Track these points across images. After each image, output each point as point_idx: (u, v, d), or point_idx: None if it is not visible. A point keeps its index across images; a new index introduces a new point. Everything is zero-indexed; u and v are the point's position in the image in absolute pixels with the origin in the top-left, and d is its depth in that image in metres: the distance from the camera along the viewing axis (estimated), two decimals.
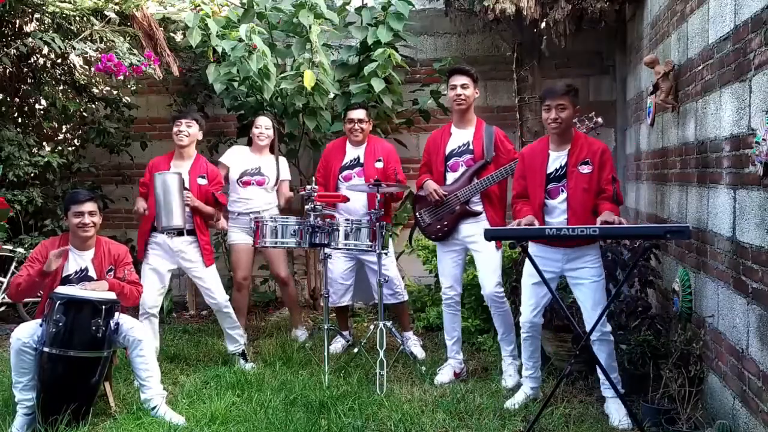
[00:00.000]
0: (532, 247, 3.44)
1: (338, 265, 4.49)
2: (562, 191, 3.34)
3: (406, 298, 4.60)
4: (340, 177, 4.44)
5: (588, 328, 3.30)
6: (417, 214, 4.04)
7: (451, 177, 3.92)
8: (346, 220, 4.04)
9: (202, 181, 4.21)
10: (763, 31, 2.48)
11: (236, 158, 4.71)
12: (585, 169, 3.29)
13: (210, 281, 4.18)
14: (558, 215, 3.34)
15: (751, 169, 2.59)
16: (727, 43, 2.89)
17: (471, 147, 3.89)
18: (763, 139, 2.45)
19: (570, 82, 3.60)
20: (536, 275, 3.22)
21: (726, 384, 2.94)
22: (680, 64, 3.68)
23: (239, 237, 4.61)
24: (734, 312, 2.84)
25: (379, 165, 4.41)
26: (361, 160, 4.44)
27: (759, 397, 2.55)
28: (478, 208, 3.86)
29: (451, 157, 3.92)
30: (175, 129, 4.20)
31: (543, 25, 5.01)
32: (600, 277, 3.32)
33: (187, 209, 4.06)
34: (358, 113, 4.44)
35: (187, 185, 4.09)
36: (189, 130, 4.19)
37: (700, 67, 3.30)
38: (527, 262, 3.44)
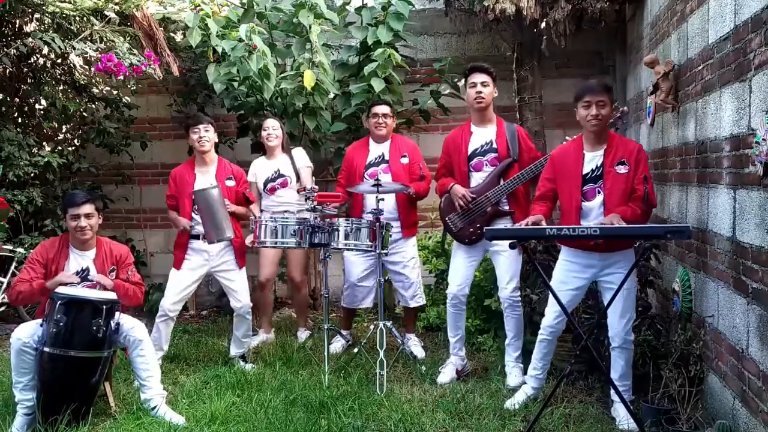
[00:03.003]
0: (564, 253, 3.41)
1: (355, 268, 4.46)
2: (599, 192, 3.26)
3: (424, 302, 4.58)
4: (365, 175, 4.38)
5: (611, 334, 3.28)
6: (447, 219, 3.94)
7: (475, 177, 3.86)
8: (347, 220, 4.03)
9: (231, 183, 4.21)
10: (763, 31, 2.48)
11: (256, 170, 4.76)
12: (622, 170, 3.22)
13: (239, 284, 4.18)
14: (594, 217, 3.26)
15: (751, 169, 2.59)
16: (727, 43, 2.89)
17: (495, 146, 3.84)
18: (763, 139, 2.45)
19: (605, 81, 3.53)
20: (567, 281, 3.21)
21: (726, 384, 2.94)
22: (680, 64, 3.68)
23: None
24: (734, 312, 2.84)
25: (405, 161, 4.38)
26: (386, 157, 4.40)
27: (759, 397, 2.55)
28: (508, 207, 3.81)
29: (474, 156, 3.86)
30: (194, 137, 4.14)
31: (543, 25, 5.01)
32: (632, 285, 3.27)
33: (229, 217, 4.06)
34: (383, 108, 4.41)
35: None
36: (208, 135, 4.16)
37: (700, 67, 3.30)
38: (558, 266, 3.42)
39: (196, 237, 4.11)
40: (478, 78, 3.81)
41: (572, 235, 2.97)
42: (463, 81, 4.07)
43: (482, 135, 3.88)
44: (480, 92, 3.79)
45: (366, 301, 4.56)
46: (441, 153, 4.04)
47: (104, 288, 3.45)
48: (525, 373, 3.72)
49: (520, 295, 3.89)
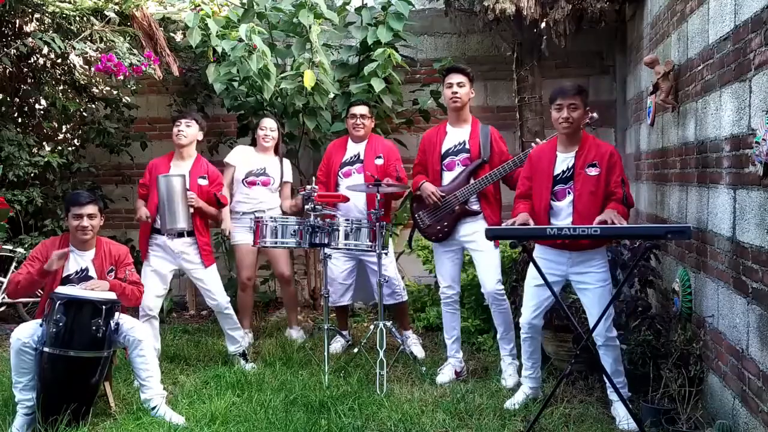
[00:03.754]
0: (537, 250, 3.43)
1: (338, 265, 4.49)
2: (569, 193, 3.31)
3: (405, 298, 4.60)
4: (339, 173, 4.46)
5: (594, 333, 3.28)
6: (416, 215, 4.04)
7: (447, 176, 3.93)
8: (346, 220, 4.04)
9: (203, 182, 4.21)
10: (763, 31, 2.48)
11: (241, 158, 4.72)
12: (592, 172, 3.26)
13: (210, 282, 4.18)
14: (564, 217, 3.31)
15: (751, 169, 2.59)
16: (727, 43, 2.89)
17: (467, 146, 3.90)
18: (763, 139, 2.45)
19: (580, 83, 3.58)
20: (539, 277, 3.22)
21: (726, 384, 2.94)
22: (680, 64, 3.68)
23: (243, 237, 4.60)
24: (734, 312, 2.84)
25: (379, 162, 4.42)
26: (361, 157, 4.45)
27: (759, 397, 2.55)
28: (476, 207, 3.87)
29: (447, 155, 3.93)
30: (174, 129, 4.20)
31: (543, 25, 5.00)
32: (606, 282, 3.29)
33: (190, 210, 4.06)
34: (361, 108, 4.46)
35: (188, 186, 4.09)
36: (188, 130, 4.18)
37: (700, 67, 3.30)
38: (531, 263, 3.44)
39: (159, 231, 4.10)
40: (455, 78, 3.86)
41: (572, 235, 2.97)
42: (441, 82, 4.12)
43: (456, 135, 3.94)
44: (456, 92, 3.85)
45: (344, 298, 4.60)
46: (418, 151, 4.12)
47: (100, 289, 3.44)
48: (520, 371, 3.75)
49: (503, 288, 3.92)
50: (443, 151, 3.93)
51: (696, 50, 3.37)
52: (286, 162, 4.89)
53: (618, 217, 3.06)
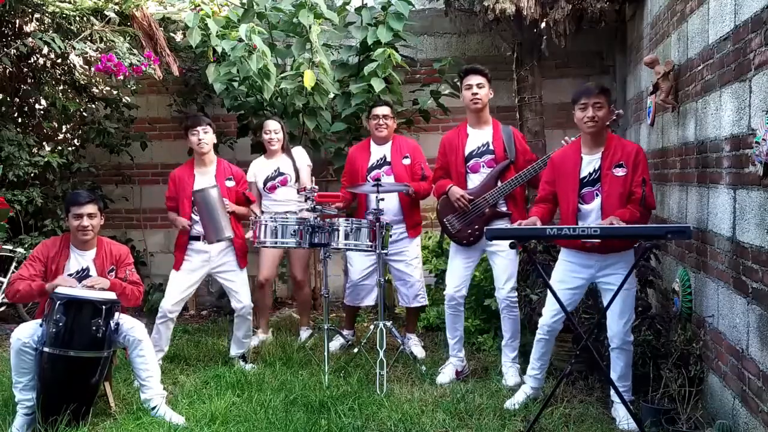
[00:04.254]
0: (563, 253, 3.41)
1: (357, 266, 4.46)
2: (597, 195, 3.26)
3: (426, 303, 4.58)
4: (368, 178, 4.37)
5: (610, 335, 3.29)
6: (444, 220, 3.96)
7: (472, 178, 3.88)
8: (347, 220, 4.03)
9: (230, 184, 4.22)
10: (763, 31, 2.48)
11: (256, 171, 4.75)
12: (620, 172, 3.22)
13: (240, 284, 4.19)
14: (593, 220, 3.26)
15: (751, 169, 2.59)
16: (727, 43, 2.89)
17: (491, 147, 3.86)
18: (763, 139, 2.45)
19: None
20: (566, 281, 3.21)
21: (726, 384, 2.94)
22: (680, 64, 3.68)
23: None
24: (734, 312, 2.84)
25: (407, 162, 4.39)
26: (388, 159, 4.40)
27: (759, 397, 2.55)
28: (505, 208, 3.83)
29: (471, 158, 3.88)
30: (193, 138, 4.15)
31: (543, 25, 5.01)
32: (632, 286, 3.27)
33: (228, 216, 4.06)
34: (383, 109, 4.42)
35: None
36: (207, 137, 4.16)
37: (700, 67, 3.30)
38: (557, 266, 3.43)
39: (197, 238, 4.11)
40: (474, 80, 3.84)
41: (572, 235, 2.97)
42: (459, 83, 4.09)
43: (479, 136, 3.90)
44: (476, 93, 3.82)
45: (368, 299, 4.56)
46: (437, 155, 4.06)
47: (100, 288, 3.44)
48: (523, 372, 3.73)
49: (517, 295, 3.89)
50: (467, 153, 3.88)
51: (696, 50, 3.37)
52: (295, 150, 4.85)
53: (619, 223, 3.05)
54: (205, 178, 4.16)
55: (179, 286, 4.11)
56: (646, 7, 4.64)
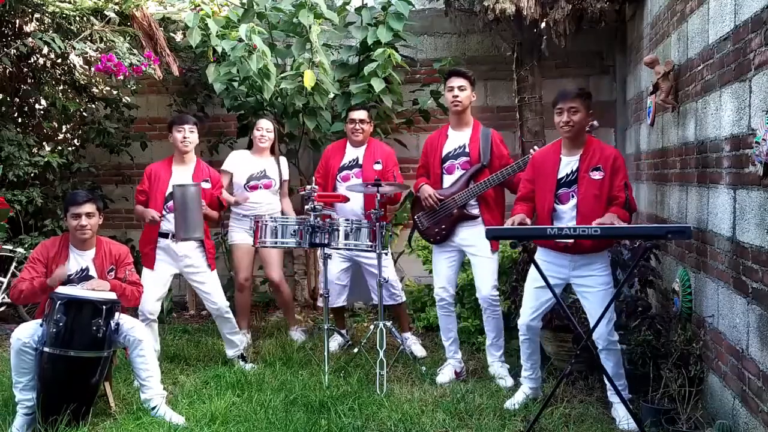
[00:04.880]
0: (539, 252, 3.43)
1: (333, 266, 4.48)
2: (573, 197, 3.31)
3: (403, 299, 4.60)
4: (338, 177, 4.45)
5: (595, 337, 3.28)
6: (415, 217, 4.06)
7: (447, 179, 3.94)
8: (346, 220, 4.04)
9: (206, 185, 4.20)
10: (763, 31, 2.48)
11: (239, 163, 4.70)
12: (596, 175, 3.25)
13: (212, 286, 4.17)
14: (567, 221, 3.30)
15: (751, 169, 2.59)
16: (727, 43, 2.89)
17: (467, 150, 3.91)
18: (763, 139, 2.45)
19: (582, 86, 3.57)
20: (539, 279, 3.22)
21: (726, 384, 2.94)
22: (680, 64, 3.68)
23: (241, 237, 4.60)
24: (734, 312, 2.84)
25: (378, 167, 4.42)
26: (360, 161, 4.46)
27: (759, 397, 2.55)
28: (475, 211, 3.87)
29: (447, 159, 3.94)
30: (178, 135, 4.14)
31: (543, 25, 5.00)
32: (608, 286, 3.29)
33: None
34: (360, 113, 4.46)
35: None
36: (192, 137, 4.16)
37: (700, 67, 3.30)
38: (532, 265, 3.44)
39: (165, 236, 4.09)
40: (456, 82, 3.88)
41: (573, 235, 2.98)
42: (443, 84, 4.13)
43: (457, 138, 3.96)
44: (456, 96, 3.87)
45: (339, 299, 4.59)
46: (421, 154, 4.14)
47: (101, 289, 3.44)
48: (513, 371, 3.80)
49: (498, 295, 3.94)
50: (444, 154, 3.94)
51: (696, 50, 3.37)
52: (283, 160, 4.89)
53: (618, 222, 3.06)
54: (182, 176, 4.14)
55: (154, 287, 4.05)
56: (646, 7, 4.64)
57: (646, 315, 3.74)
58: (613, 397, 3.32)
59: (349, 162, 4.48)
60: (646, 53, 4.46)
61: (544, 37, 5.01)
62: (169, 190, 4.07)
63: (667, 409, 3.11)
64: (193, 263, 4.14)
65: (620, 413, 3.24)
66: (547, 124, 5.43)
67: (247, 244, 4.51)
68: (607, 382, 3.24)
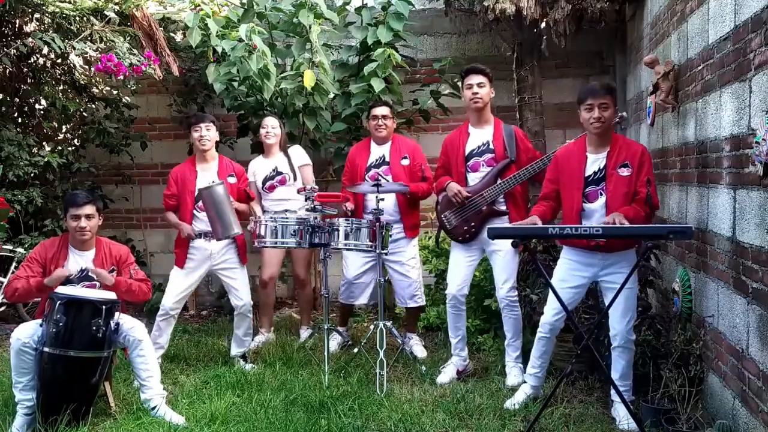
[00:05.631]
0: (565, 252, 3.41)
1: (353, 264, 4.46)
2: (601, 195, 3.26)
3: (424, 302, 4.58)
4: (366, 177, 4.38)
5: (612, 333, 3.28)
6: (442, 216, 3.98)
7: (472, 177, 3.88)
8: (347, 220, 4.04)
9: (232, 180, 4.21)
10: (763, 31, 2.48)
11: (256, 170, 4.75)
12: (624, 172, 3.22)
13: (241, 282, 4.19)
14: (597, 219, 3.26)
15: (751, 169, 2.59)
16: (727, 43, 2.89)
17: (491, 146, 3.86)
18: (763, 139, 2.45)
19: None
20: (567, 279, 3.21)
21: (726, 384, 2.94)
22: (680, 64, 3.68)
23: None
24: (734, 312, 2.84)
25: (405, 162, 4.39)
26: (387, 158, 4.41)
27: (759, 397, 2.55)
28: (504, 207, 3.83)
29: (471, 157, 3.88)
30: (195, 135, 4.16)
31: (543, 25, 5.00)
32: (634, 284, 3.27)
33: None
34: (382, 110, 4.43)
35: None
36: (209, 134, 4.17)
37: (700, 67, 3.30)
38: (559, 264, 3.43)
39: (198, 236, 4.11)
40: (475, 79, 3.84)
41: (574, 234, 2.97)
42: (460, 83, 4.09)
43: (479, 136, 3.91)
44: (476, 93, 3.83)
45: (362, 297, 4.58)
46: (440, 154, 4.07)
47: (104, 282, 3.45)
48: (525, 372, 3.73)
49: (517, 295, 3.89)
50: (467, 152, 3.89)
51: (696, 50, 3.37)
52: (293, 150, 4.85)
53: (621, 218, 3.05)
54: (207, 175, 4.16)
55: (181, 284, 4.12)
56: (646, 7, 4.64)
57: (646, 315, 3.74)
58: (615, 397, 3.32)
59: (376, 160, 4.44)
60: (646, 53, 4.46)
61: (544, 37, 5.01)
62: (198, 189, 4.07)
63: (667, 409, 3.11)
64: (226, 259, 4.16)
65: (620, 413, 3.23)
66: (547, 124, 5.44)
67: None
68: (609, 382, 3.23)
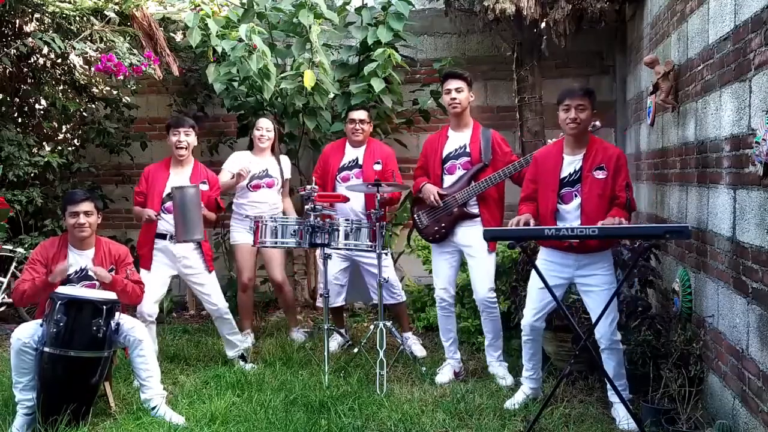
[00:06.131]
0: (542, 253, 3.42)
1: (332, 266, 4.47)
2: (576, 196, 3.29)
3: (403, 298, 4.60)
4: (337, 178, 4.45)
5: (597, 336, 3.28)
6: (415, 215, 4.06)
7: (448, 180, 3.94)
8: (346, 220, 4.04)
9: (204, 187, 4.18)
10: (763, 31, 2.48)
11: (240, 164, 4.67)
12: (600, 175, 3.24)
13: (211, 287, 4.17)
14: (571, 221, 3.29)
15: (751, 169, 2.59)
16: (727, 43, 2.89)
17: (468, 150, 3.91)
18: (763, 139, 2.45)
19: (580, 83, 3.57)
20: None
21: (726, 384, 2.94)
22: (680, 64, 3.68)
23: (243, 237, 4.59)
24: (734, 312, 2.84)
25: (378, 167, 4.42)
26: (360, 162, 4.45)
27: (759, 397, 2.55)
28: (475, 210, 3.87)
29: (448, 160, 3.94)
30: (174, 138, 4.13)
31: (543, 25, 5.00)
32: (611, 285, 3.28)
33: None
34: (360, 114, 4.47)
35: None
36: (188, 140, 4.15)
37: (700, 67, 3.30)
38: (537, 265, 3.43)
39: (163, 236, 4.08)
40: (453, 84, 3.88)
41: (570, 236, 2.97)
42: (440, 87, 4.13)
43: (457, 139, 3.96)
44: (454, 98, 3.88)
45: (339, 298, 4.59)
46: (420, 155, 4.14)
47: (102, 280, 3.45)
48: (513, 371, 3.80)
49: (495, 296, 3.93)
50: (444, 155, 3.94)
51: (696, 50, 3.37)
52: (284, 159, 4.89)
53: (621, 220, 3.06)
54: (179, 178, 4.13)
55: (152, 287, 4.00)
56: (646, 7, 4.64)
57: (646, 315, 3.74)
58: (613, 397, 3.32)
59: (349, 162, 4.48)
60: (646, 53, 4.46)
61: (544, 37, 5.01)
62: (167, 191, 4.06)
63: (667, 409, 3.11)
64: (191, 265, 4.12)
65: (620, 413, 3.23)
66: (547, 124, 5.44)
67: (249, 244, 4.50)
68: (607, 382, 3.24)
